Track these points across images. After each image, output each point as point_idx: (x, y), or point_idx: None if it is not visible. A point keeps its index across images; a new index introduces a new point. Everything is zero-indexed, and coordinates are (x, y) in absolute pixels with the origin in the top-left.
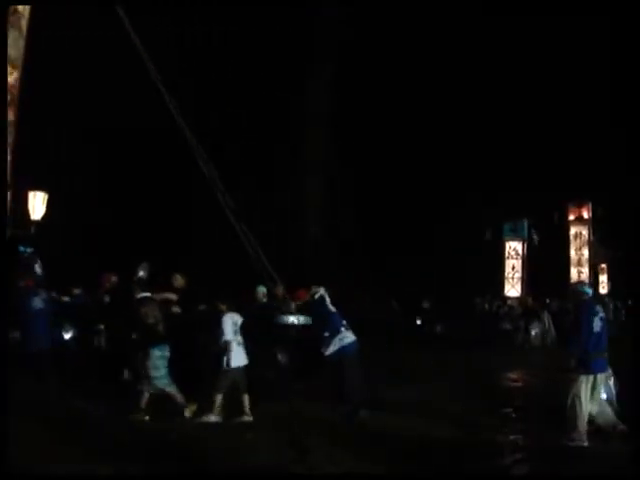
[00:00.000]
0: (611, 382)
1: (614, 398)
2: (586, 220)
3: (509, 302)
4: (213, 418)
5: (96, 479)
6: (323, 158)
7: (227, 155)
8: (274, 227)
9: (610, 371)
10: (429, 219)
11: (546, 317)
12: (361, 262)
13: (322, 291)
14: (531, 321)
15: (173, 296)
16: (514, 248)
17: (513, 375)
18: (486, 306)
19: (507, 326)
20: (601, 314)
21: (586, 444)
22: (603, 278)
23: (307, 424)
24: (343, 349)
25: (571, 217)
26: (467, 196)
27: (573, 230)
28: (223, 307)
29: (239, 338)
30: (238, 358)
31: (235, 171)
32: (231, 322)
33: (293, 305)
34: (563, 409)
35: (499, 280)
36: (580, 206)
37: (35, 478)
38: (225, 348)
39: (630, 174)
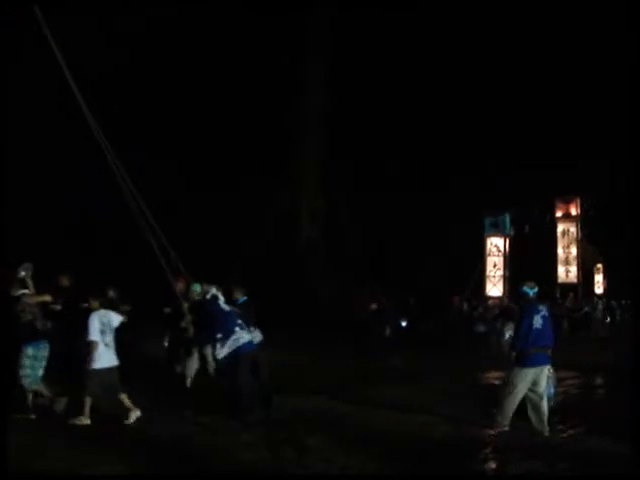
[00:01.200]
0: (551, 381)
1: (552, 397)
2: (574, 217)
3: (490, 302)
4: (84, 420)
5: (87, 479)
6: (319, 157)
7: (224, 155)
8: (271, 227)
9: (551, 369)
10: (421, 217)
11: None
12: (357, 261)
13: (214, 290)
14: (506, 322)
15: (47, 297)
16: (495, 244)
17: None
18: (465, 306)
19: (481, 328)
20: (543, 313)
21: (507, 428)
22: (599, 278)
23: (303, 423)
24: (238, 350)
25: (558, 214)
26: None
27: (560, 227)
28: (95, 304)
29: (108, 338)
30: (103, 359)
31: (232, 172)
32: (98, 321)
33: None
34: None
35: (480, 279)
36: (568, 202)
37: (35, 478)
38: (90, 348)
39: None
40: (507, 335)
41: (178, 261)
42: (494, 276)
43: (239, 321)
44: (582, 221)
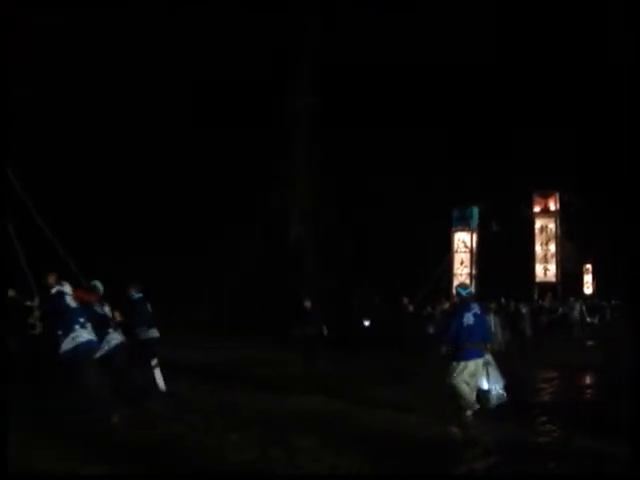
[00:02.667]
0: (492, 373)
1: (500, 392)
2: (553, 212)
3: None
4: None
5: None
6: (307, 159)
7: (211, 158)
8: (259, 227)
9: (489, 361)
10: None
11: (492, 318)
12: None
13: (61, 286)
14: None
15: None
16: (462, 240)
17: None
18: (411, 307)
19: (430, 330)
20: (475, 311)
21: (477, 406)
22: (588, 278)
23: (294, 423)
24: (76, 348)
25: (536, 209)
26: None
27: (539, 223)
28: None
29: None
30: None
31: (219, 174)
32: None
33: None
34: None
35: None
36: (546, 197)
37: (35, 478)
38: None
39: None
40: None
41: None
42: (461, 274)
43: (82, 319)
44: (562, 217)
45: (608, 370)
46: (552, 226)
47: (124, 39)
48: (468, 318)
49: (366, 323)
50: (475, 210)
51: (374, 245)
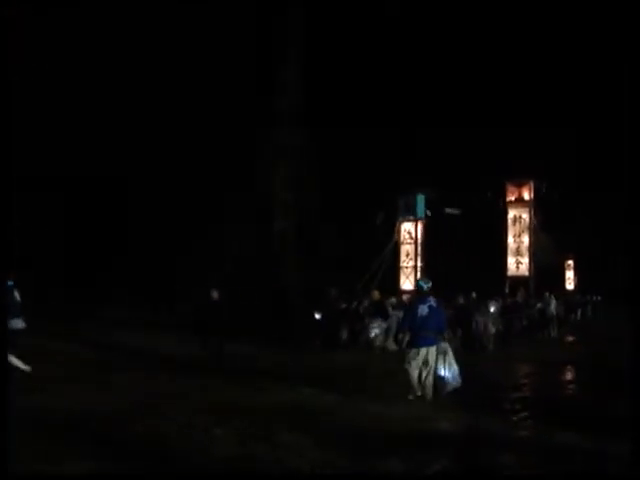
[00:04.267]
0: (448, 361)
1: (455, 376)
2: (527, 202)
3: (405, 297)
4: None
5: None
6: (289, 156)
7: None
8: (242, 224)
9: (445, 350)
10: None
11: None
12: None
13: None
14: (374, 319)
15: None
16: (408, 230)
17: None
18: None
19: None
20: (430, 303)
21: (419, 393)
22: (570, 274)
23: (280, 417)
24: None
25: (510, 198)
26: None
27: (512, 213)
28: None
29: None
30: None
31: (202, 170)
32: None
33: None
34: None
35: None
36: (520, 185)
37: (34, 478)
38: None
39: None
40: (372, 333)
41: None
42: (407, 267)
43: None
44: (536, 207)
45: (590, 366)
46: (526, 216)
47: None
48: (423, 309)
49: (317, 316)
50: (420, 198)
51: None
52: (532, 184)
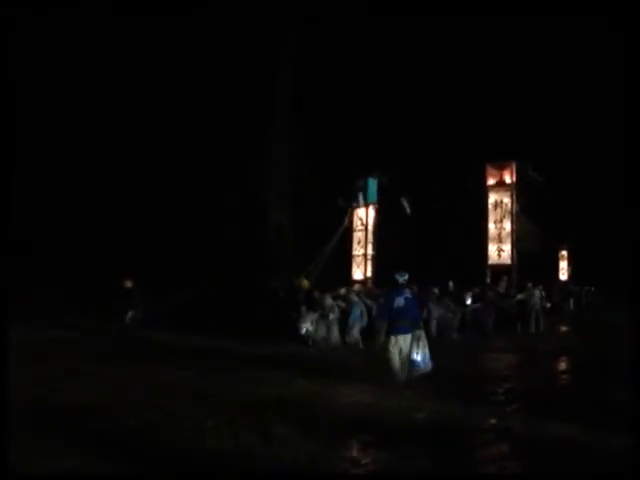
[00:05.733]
0: (421, 346)
1: (425, 360)
2: (509, 185)
3: (357, 287)
4: None
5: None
6: (288, 148)
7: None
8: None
9: (419, 336)
10: None
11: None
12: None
13: None
14: (308, 311)
15: None
16: (360, 217)
17: None
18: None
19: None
20: (406, 295)
21: (403, 377)
22: (563, 264)
23: (273, 409)
24: None
25: (490, 181)
26: None
27: (492, 198)
28: None
29: None
30: None
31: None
32: None
33: None
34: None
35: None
36: (502, 168)
37: (34, 478)
38: None
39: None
40: (304, 329)
41: None
42: (358, 255)
43: None
44: (519, 190)
45: (583, 356)
46: (508, 201)
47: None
48: (399, 301)
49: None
50: (372, 182)
51: None
52: (514, 166)
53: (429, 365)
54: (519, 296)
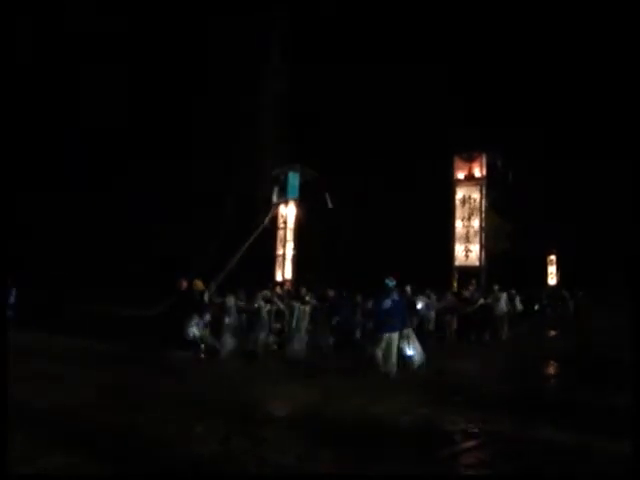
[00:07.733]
0: (412, 342)
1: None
2: (478, 179)
3: (279, 290)
4: None
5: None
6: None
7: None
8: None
9: (408, 334)
10: None
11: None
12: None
13: None
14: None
15: None
16: (282, 214)
17: None
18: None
19: (226, 320)
20: (393, 298)
21: (395, 371)
22: (552, 269)
23: (261, 413)
24: None
25: (459, 175)
26: None
27: (460, 193)
28: None
29: None
30: None
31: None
32: None
33: None
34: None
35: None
36: (471, 160)
37: (34, 478)
38: None
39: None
40: (190, 333)
41: None
42: (279, 255)
43: None
44: (488, 185)
45: (572, 360)
46: (477, 196)
47: None
48: (387, 303)
49: None
50: (292, 177)
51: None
52: (484, 158)
53: (424, 356)
54: (481, 301)
